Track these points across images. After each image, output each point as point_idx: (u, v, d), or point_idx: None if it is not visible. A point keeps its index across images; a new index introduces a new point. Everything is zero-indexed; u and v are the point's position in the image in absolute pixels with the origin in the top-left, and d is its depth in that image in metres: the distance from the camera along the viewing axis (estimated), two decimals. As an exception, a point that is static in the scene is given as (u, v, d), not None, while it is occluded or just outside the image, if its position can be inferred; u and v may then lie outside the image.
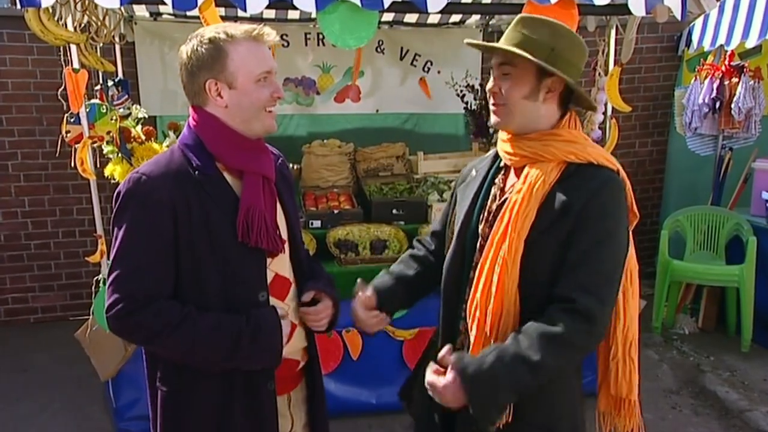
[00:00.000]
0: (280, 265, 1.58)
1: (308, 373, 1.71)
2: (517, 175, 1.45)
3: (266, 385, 1.53)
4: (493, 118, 1.47)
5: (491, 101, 1.46)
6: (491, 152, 1.60)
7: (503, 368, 1.28)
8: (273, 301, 1.54)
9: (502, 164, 1.52)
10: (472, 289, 1.42)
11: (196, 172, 1.45)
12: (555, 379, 1.38)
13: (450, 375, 1.31)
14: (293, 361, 1.63)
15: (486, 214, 1.48)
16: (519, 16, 1.45)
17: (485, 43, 1.48)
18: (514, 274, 1.35)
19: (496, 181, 1.51)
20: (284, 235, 1.57)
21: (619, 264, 1.38)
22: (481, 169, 1.57)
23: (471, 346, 1.41)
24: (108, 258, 3.04)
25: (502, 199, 1.45)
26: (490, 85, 1.46)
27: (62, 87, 2.89)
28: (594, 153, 1.40)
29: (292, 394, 1.68)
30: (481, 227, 1.48)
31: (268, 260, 1.53)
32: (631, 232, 1.43)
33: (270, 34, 1.47)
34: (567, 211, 1.34)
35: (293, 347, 1.60)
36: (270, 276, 1.54)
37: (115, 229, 1.44)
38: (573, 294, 1.30)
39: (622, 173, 1.43)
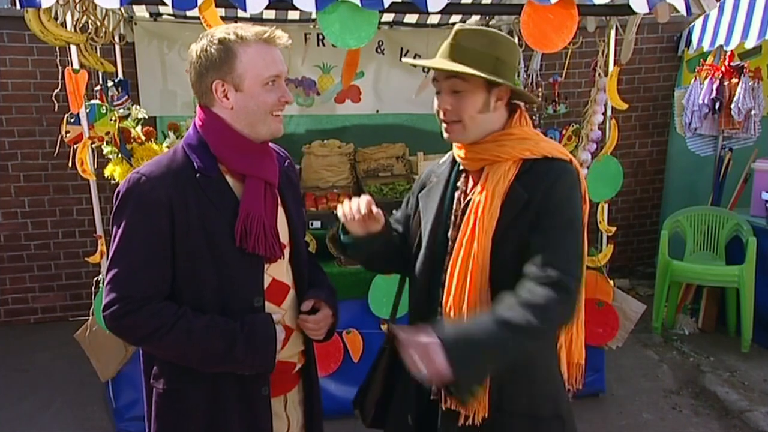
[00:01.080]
0: (279, 270, 1.57)
1: (305, 375, 1.70)
2: (476, 178, 1.50)
3: (260, 390, 1.53)
4: (446, 135, 1.51)
5: (441, 117, 1.49)
6: (447, 156, 1.64)
7: (485, 331, 1.30)
8: (269, 306, 1.53)
9: (461, 168, 1.56)
10: (446, 291, 1.46)
11: (198, 174, 1.44)
12: (533, 363, 1.44)
13: (432, 338, 1.28)
14: (289, 364, 1.63)
15: (453, 218, 1.52)
16: (455, 28, 1.46)
17: (432, 63, 1.46)
18: (485, 271, 1.41)
19: (459, 184, 1.55)
20: (285, 239, 1.56)
21: (581, 245, 1.43)
22: (441, 174, 1.61)
23: None
24: (107, 258, 3.04)
25: (466, 201, 1.50)
26: (437, 103, 1.49)
27: (59, 87, 2.90)
28: (547, 147, 1.47)
29: (288, 396, 1.67)
30: (450, 232, 1.52)
31: (266, 265, 1.52)
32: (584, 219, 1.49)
33: (282, 37, 1.45)
34: (528, 204, 1.40)
35: (290, 351, 1.60)
36: (267, 281, 1.54)
37: (114, 228, 1.44)
38: (545, 271, 1.35)
39: (575, 162, 1.49)
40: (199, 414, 1.51)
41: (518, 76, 4.38)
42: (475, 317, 1.37)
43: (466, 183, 1.54)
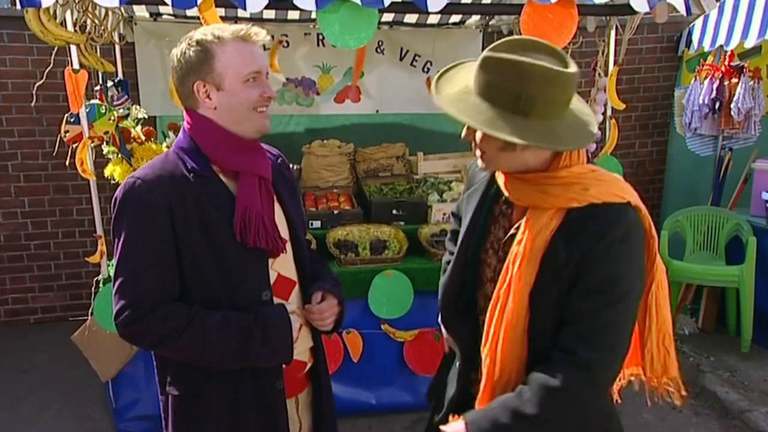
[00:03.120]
0: (284, 266, 1.58)
1: (315, 375, 1.69)
2: (519, 212, 1.37)
3: (274, 385, 1.54)
4: (479, 162, 1.38)
5: (473, 145, 1.37)
6: None
7: (505, 422, 1.26)
8: (276, 301, 1.54)
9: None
10: (482, 341, 1.38)
11: (192, 174, 1.44)
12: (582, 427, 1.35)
13: (460, 424, 1.30)
14: (300, 363, 1.63)
15: (491, 242, 1.43)
16: (482, 55, 1.29)
17: (457, 115, 1.27)
18: (520, 328, 1.31)
19: (503, 209, 1.42)
20: (285, 235, 1.56)
21: (627, 309, 1.27)
22: (480, 181, 1.50)
23: (481, 391, 1.39)
24: (108, 258, 3.04)
25: (507, 236, 1.37)
26: (464, 132, 1.33)
27: (42, 79, 2.90)
28: (596, 193, 1.27)
29: (299, 398, 1.67)
30: (486, 255, 1.43)
31: (271, 260, 1.53)
32: (649, 257, 1.34)
33: (259, 33, 1.45)
34: (569, 260, 1.25)
35: (300, 348, 1.59)
36: (273, 276, 1.54)
37: (115, 235, 1.44)
38: (574, 345, 1.24)
39: (635, 202, 1.29)
40: (219, 416, 1.51)
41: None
42: (500, 401, 1.30)
43: (510, 211, 1.41)
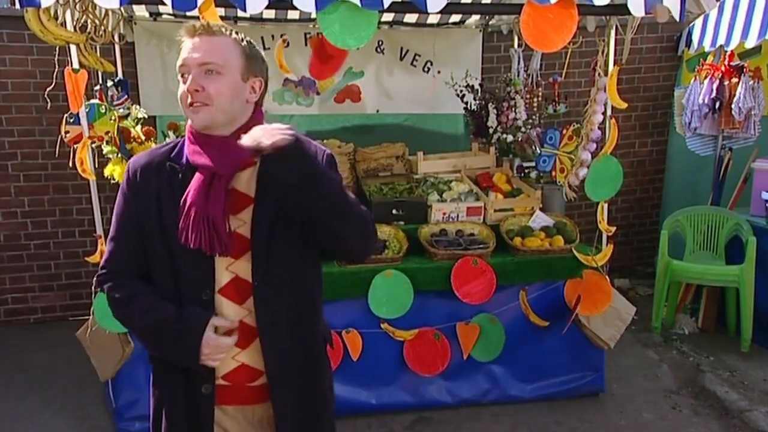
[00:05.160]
0: (243, 268, 1.49)
1: (276, 394, 1.54)
2: None
3: (201, 388, 1.52)
4: None
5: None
6: None
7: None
8: (227, 303, 1.49)
9: None
10: None
11: (170, 163, 1.50)
12: None
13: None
14: (252, 371, 1.54)
15: None
16: None
17: None
18: None
19: None
20: (247, 234, 1.48)
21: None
22: None
23: None
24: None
25: None
26: None
27: (53, 86, 2.91)
28: None
29: (256, 409, 1.58)
30: None
31: (227, 260, 1.47)
32: None
33: (195, 24, 1.43)
34: None
35: (253, 358, 1.53)
36: (227, 277, 1.49)
37: None
38: None
39: None
40: (159, 405, 1.60)
41: (518, 75, 4.38)
42: None
43: None
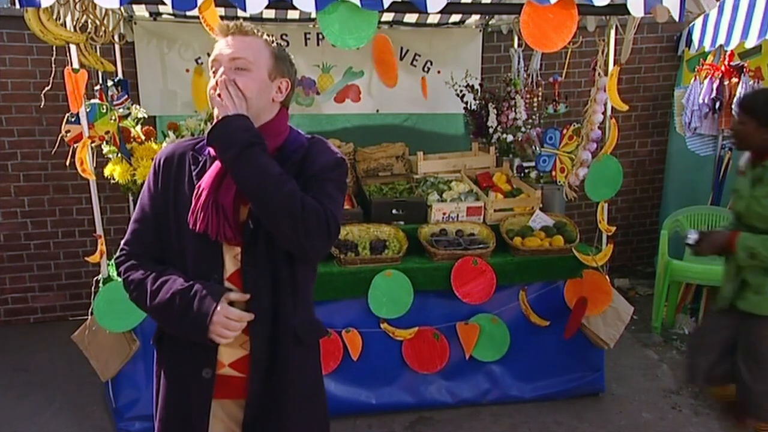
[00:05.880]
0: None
1: (252, 394, 1.56)
2: None
3: (201, 372, 1.55)
4: None
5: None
6: None
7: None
8: (233, 291, 1.53)
9: None
10: None
11: (193, 151, 1.56)
12: None
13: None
14: (234, 361, 1.58)
15: None
16: None
17: None
18: None
19: None
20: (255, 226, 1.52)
21: None
22: None
23: None
24: (108, 258, 3.04)
25: None
26: None
27: (50, 86, 2.92)
28: None
29: (236, 404, 1.63)
30: None
31: (235, 249, 1.52)
32: None
33: (228, 23, 1.52)
34: None
35: (234, 348, 1.57)
36: (234, 266, 1.53)
37: None
38: None
39: None
40: (165, 387, 1.63)
41: (518, 75, 4.38)
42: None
43: None
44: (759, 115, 2.43)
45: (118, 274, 1.62)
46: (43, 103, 3.42)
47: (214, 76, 1.49)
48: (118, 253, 1.61)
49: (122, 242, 1.60)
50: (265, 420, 1.58)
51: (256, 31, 1.51)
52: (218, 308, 1.45)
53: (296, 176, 1.51)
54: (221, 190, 1.46)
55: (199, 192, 1.48)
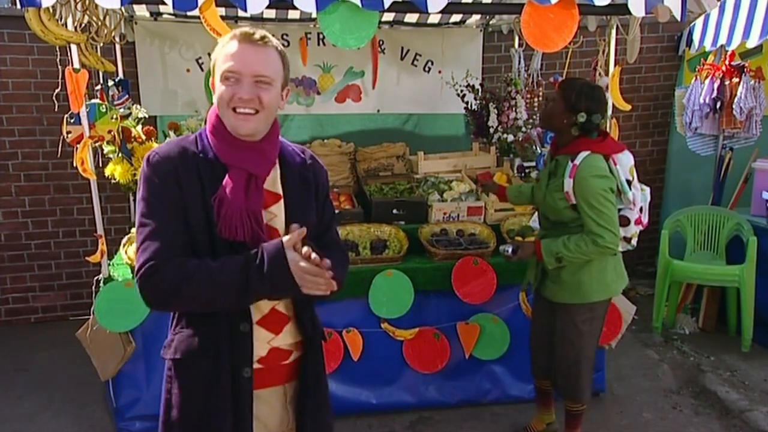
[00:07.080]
0: None
1: (302, 369, 1.67)
2: None
3: (241, 371, 1.55)
4: None
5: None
6: None
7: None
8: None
9: None
10: None
11: (200, 155, 1.53)
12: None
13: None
14: (283, 352, 1.64)
15: None
16: None
17: None
18: None
19: None
20: (282, 232, 1.57)
21: None
22: None
23: None
24: (108, 258, 3.04)
25: None
26: None
27: (59, 87, 2.91)
28: None
29: (287, 387, 1.68)
30: None
31: None
32: None
33: (256, 33, 1.48)
34: None
35: (283, 341, 1.62)
36: None
37: (137, 203, 1.53)
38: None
39: None
40: (197, 388, 1.57)
41: (519, 75, 4.38)
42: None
43: None
44: (569, 98, 2.49)
45: (148, 294, 1.49)
46: (40, 100, 3.41)
47: (229, 85, 1.47)
48: (148, 266, 1.45)
49: (146, 253, 1.47)
50: (305, 396, 1.66)
51: (272, 41, 1.51)
52: (290, 260, 1.44)
53: (303, 187, 1.62)
54: (250, 199, 1.50)
55: (228, 204, 1.47)
